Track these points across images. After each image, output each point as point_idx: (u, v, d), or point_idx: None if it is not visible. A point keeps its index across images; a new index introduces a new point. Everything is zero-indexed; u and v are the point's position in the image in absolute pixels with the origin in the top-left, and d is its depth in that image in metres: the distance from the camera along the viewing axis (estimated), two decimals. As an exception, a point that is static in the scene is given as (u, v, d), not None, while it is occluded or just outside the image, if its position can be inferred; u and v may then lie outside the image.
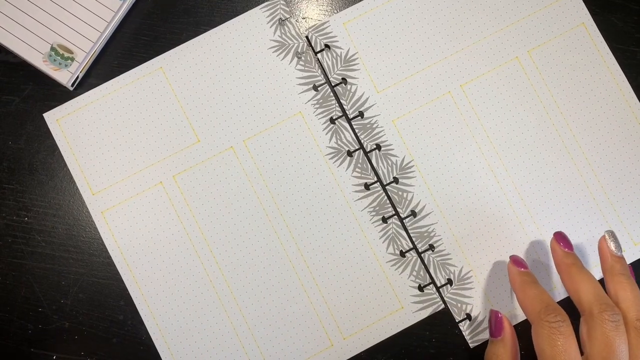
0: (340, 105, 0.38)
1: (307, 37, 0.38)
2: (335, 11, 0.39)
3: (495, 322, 0.34)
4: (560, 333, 0.30)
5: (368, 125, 0.38)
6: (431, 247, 0.37)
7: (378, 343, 0.37)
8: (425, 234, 0.37)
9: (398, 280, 0.37)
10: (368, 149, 0.38)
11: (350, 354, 0.37)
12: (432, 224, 0.37)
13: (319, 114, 0.38)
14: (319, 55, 0.38)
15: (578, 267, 0.33)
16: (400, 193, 0.38)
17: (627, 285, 0.32)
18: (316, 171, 0.38)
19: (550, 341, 0.30)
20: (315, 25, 0.39)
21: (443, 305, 0.37)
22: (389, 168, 0.38)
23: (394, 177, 0.38)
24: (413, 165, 0.38)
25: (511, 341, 0.33)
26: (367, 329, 0.37)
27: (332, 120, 0.38)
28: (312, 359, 0.36)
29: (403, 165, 0.38)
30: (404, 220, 0.37)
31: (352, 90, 0.38)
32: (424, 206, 0.38)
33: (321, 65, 0.38)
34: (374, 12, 0.39)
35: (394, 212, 0.37)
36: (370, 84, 0.38)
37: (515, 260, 0.35)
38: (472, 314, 0.37)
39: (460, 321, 0.37)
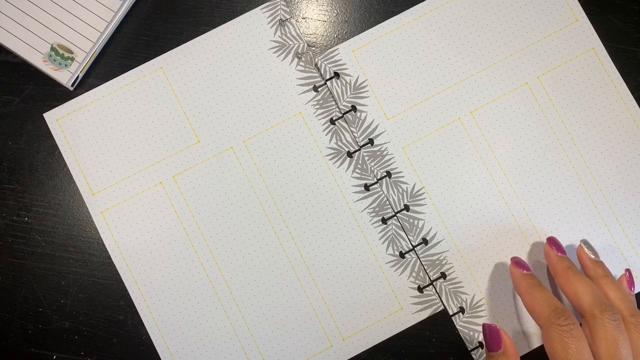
0: (339, 106, 0.38)
1: (316, 64, 0.38)
2: (336, 12, 0.39)
3: (491, 335, 0.33)
4: (572, 336, 0.30)
5: (378, 153, 0.38)
6: (443, 275, 0.37)
7: (378, 343, 0.37)
8: (437, 262, 0.37)
9: (398, 281, 0.37)
10: (378, 177, 0.38)
11: (350, 354, 0.37)
12: (444, 252, 0.37)
13: (319, 114, 0.38)
14: (328, 83, 0.38)
15: (574, 271, 0.34)
16: (411, 221, 0.37)
17: (614, 286, 0.33)
18: (316, 172, 0.38)
19: (563, 344, 0.30)
20: (324, 53, 0.38)
21: (442, 306, 0.37)
22: (400, 195, 0.37)
23: (405, 205, 0.37)
24: (424, 193, 0.37)
25: (513, 352, 0.32)
26: (367, 329, 0.37)
27: (332, 121, 0.38)
28: (312, 360, 0.36)
29: (414, 192, 0.37)
30: (415, 249, 0.37)
31: (362, 117, 0.38)
32: (435, 234, 0.37)
33: (331, 93, 0.38)
34: (383, 39, 0.38)
35: (393, 213, 0.37)
36: (380, 111, 0.38)
37: (517, 262, 0.35)
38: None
39: (473, 349, 0.36)
